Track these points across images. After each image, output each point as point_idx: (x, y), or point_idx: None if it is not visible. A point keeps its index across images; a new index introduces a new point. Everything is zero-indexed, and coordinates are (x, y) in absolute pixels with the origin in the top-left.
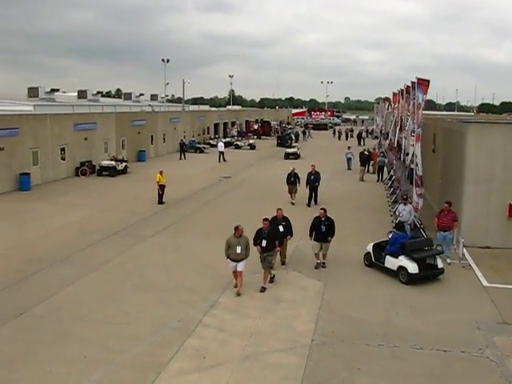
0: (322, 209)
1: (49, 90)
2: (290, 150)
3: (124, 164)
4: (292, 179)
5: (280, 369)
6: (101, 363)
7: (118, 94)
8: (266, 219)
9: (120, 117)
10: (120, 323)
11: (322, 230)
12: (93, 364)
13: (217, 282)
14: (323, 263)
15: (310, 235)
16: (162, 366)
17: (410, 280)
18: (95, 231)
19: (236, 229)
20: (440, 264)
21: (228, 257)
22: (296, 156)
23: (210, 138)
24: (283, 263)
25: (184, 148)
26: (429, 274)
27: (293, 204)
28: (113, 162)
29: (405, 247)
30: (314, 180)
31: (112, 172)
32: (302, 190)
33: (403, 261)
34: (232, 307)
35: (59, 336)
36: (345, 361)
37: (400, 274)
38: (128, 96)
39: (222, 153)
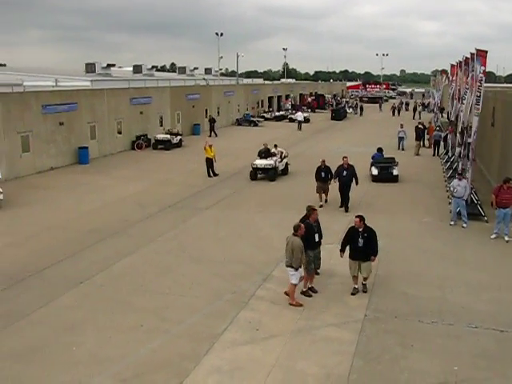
0: (357, 216)
1: (105, 65)
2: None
3: (179, 137)
4: (323, 174)
5: (332, 343)
6: (157, 332)
7: (173, 68)
8: (314, 209)
9: (175, 91)
10: (175, 294)
11: (359, 244)
12: (149, 333)
13: (271, 256)
14: (364, 286)
15: (342, 250)
16: (215, 336)
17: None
18: (151, 204)
19: (298, 228)
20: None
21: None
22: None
23: (264, 112)
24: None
25: (213, 124)
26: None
27: (321, 206)
28: (168, 136)
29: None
30: (346, 176)
31: (167, 145)
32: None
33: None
34: (285, 280)
35: (117, 305)
36: (398, 337)
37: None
38: (182, 70)
39: (300, 122)
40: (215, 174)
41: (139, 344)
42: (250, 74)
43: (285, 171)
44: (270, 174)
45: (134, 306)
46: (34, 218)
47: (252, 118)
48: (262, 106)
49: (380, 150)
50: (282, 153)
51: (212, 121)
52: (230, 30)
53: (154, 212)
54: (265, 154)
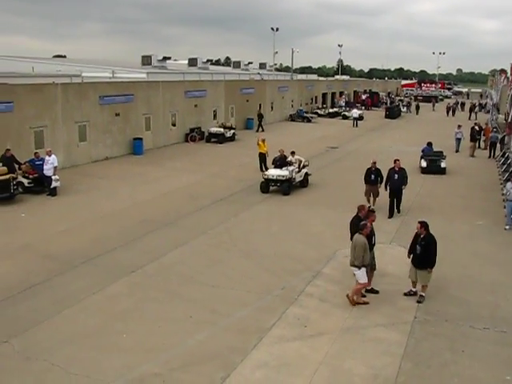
0: (419, 222)
1: (161, 57)
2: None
3: (232, 131)
4: (372, 177)
5: (380, 344)
6: (205, 324)
7: (227, 62)
8: (373, 211)
9: (229, 85)
10: (225, 287)
11: (417, 251)
12: (198, 324)
13: (321, 253)
14: (420, 297)
15: (409, 252)
16: (264, 331)
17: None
18: (203, 196)
19: (364, 227)
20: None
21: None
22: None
23: (318, 108)
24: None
25: (261, 119)
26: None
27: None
28: (221, 129)
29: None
30: (398, 180)
31: (220, 139)
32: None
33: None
34: (335, 278)
35: (167, 295)
36: (448, 341)
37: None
38: (237, 64)
39: (356, 119)
40: (267, 169)
41: (187, 335)
42: (305, 70)
43: (304, 183)
44: (284, 188)
45: (183, 297)
46: (89, 206)
47: (305, 114)
48: (316, 103)
49: (430, 144)
50: (300, 161)
51: (260, 116)
52: (286, 25)
53: (206, 204)
54: (280, 162)
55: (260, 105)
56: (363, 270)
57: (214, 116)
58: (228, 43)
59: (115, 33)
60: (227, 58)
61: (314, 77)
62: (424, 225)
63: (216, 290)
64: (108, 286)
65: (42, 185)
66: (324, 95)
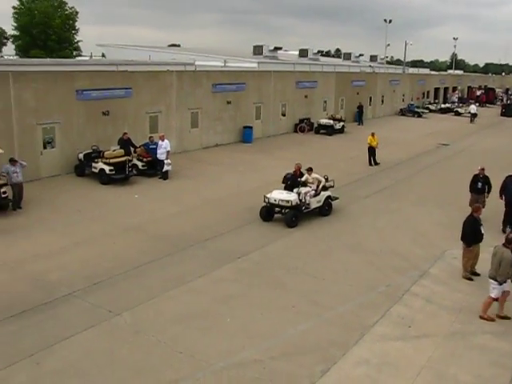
0: None
1: (272, 48)
2: None
3: (341, 124)
4: (479, 185)
5: (489, 353)
6: (307, 315)
7: (338, 53)
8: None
9: (340, 76)
10: (328, 280)
11: None
12: (300, 315)
13: (429, 251)
14: None
15: None
16: (366, 328)
17: None
18: None
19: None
20: None
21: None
22: None
23: (429, 103)
24: None
25: (361, 113)
26: None
27: None
28: (330, 121)
29: None
30: None
31: (329, 131)
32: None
33: None
34: (443, 279)
35: (271, 283)
36: None
37: None
38: (347, 56)
39: (473, 115)
40: (376, 163)
41: (289, 324)
42: (416, 64)
43: (323, 210)
44: (287, 217)
45: (286, 286)
46: (198, 191)
47: (416, 109)
48: (428, 97)
49: None
50: (318, 182)
51: (360, 108)
52: (399, 17)
53: None
54: (291, 181)
55: (371, 98)
56: (504, 285)
57: (324, 107)
58: (338, 35)
59: (227, 23)
60: (337, 50)
61: (426, 71)
62: None
63: (319, 282)
64: (214, 271)
65: (154, 168)
66: (436, 90)
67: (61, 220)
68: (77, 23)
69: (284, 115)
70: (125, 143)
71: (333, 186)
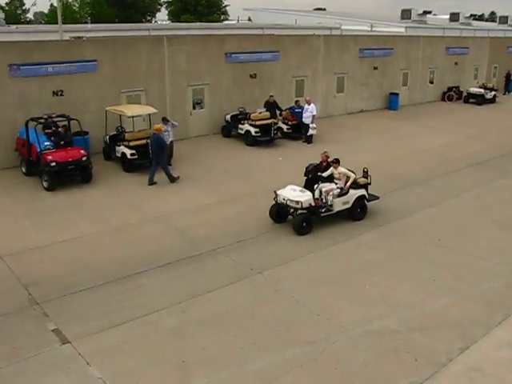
0: None
1: (421, 12)
2: None
3: (493, 93)
4: None
5: None
6: (449, 289)
7: (492, 17)
8: None
9: (494, 42)
10: (472, 255)
11: None
12: (441, 288)
13: None
14: None
15: None
16: (511, 309)
17: None
18: (457, 158)
19: None
20: None
21: None
22: None
23: None
24: None
25: (508, 81)
26: None
27: None
28: (481, 90)
29: None
30: None
31: (479, 100)
32: None
33: None
34: None
35: (412, 254)
36: None
37: None
38: (503, 20)
39: None
40: None
41: (429, 297)
42: None
43: (354, 214)
44: (296, 222)
45: (429, 258)
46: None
47: None
48: None
49: None
50: (347, 178)
51: (508, 76)
52: None
53: (460, 167)
54: (313, 174)
55: None
56: None
57: (475, 75)
58: None
59: None
60: (492, 13)
61: None
62: None
63: (463, 257)
64: (353, 237)
65: (299, 131)
66: None
67: (208, 178)
68: None
69: (432, 82)
70: (271, 106)
71: (369, 184)
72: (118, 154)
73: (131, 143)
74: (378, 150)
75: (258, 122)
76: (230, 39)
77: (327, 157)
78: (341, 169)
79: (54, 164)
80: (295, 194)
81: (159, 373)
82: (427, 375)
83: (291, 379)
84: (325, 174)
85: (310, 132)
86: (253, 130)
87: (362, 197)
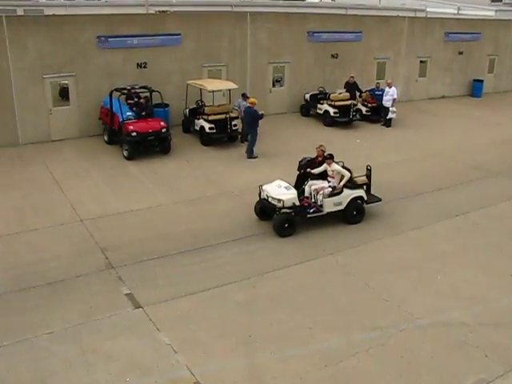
0: None
1: None
2: None
3: None
4: None
5: None
6: None
7: None
8: None
9: None
10: None
11: None
12: None
13: None
14: None
15: None
16: None
17: None
18: None
19: None
20: None
21: None
22: None
23: None
24: None
25: None
26: None
27: None
28: None
29: None
30: None
31: None
32: None
33: None
34: None
35: (488, 246)
36: None
37: None
38: None
39: None
40: None
41: (505, 293)
42: None
43: (350, 216)
44: (276, 222)
45: (504, 252)
46: (419, 142)
47: None
48: None
49: None
50: (341, 176)
51: None
52: None
53: None
54: (304, 170)
55: None
56: None
57: None
58: None
59: None
60: None
61: None
62: None
63: None
64: (429, 225)
65: (378, 114)
66: None
67: (284, 156)
68: None
69: None
70: (351, 87)
71: (368, 184)
72: (197, 128)
73: (210, 117)
74: (458, 137)
75: (337, 103)
76: (313, 18)
77: (323, 151)
78: (335, 166)
79: (134, 134)
80: (279, 190)
81: (226, 345)
82: (498, 373)
83: (356, 362)
84: (316, 171)
85: (390, 115)
86: (331, 111)
87: (358, 198)
